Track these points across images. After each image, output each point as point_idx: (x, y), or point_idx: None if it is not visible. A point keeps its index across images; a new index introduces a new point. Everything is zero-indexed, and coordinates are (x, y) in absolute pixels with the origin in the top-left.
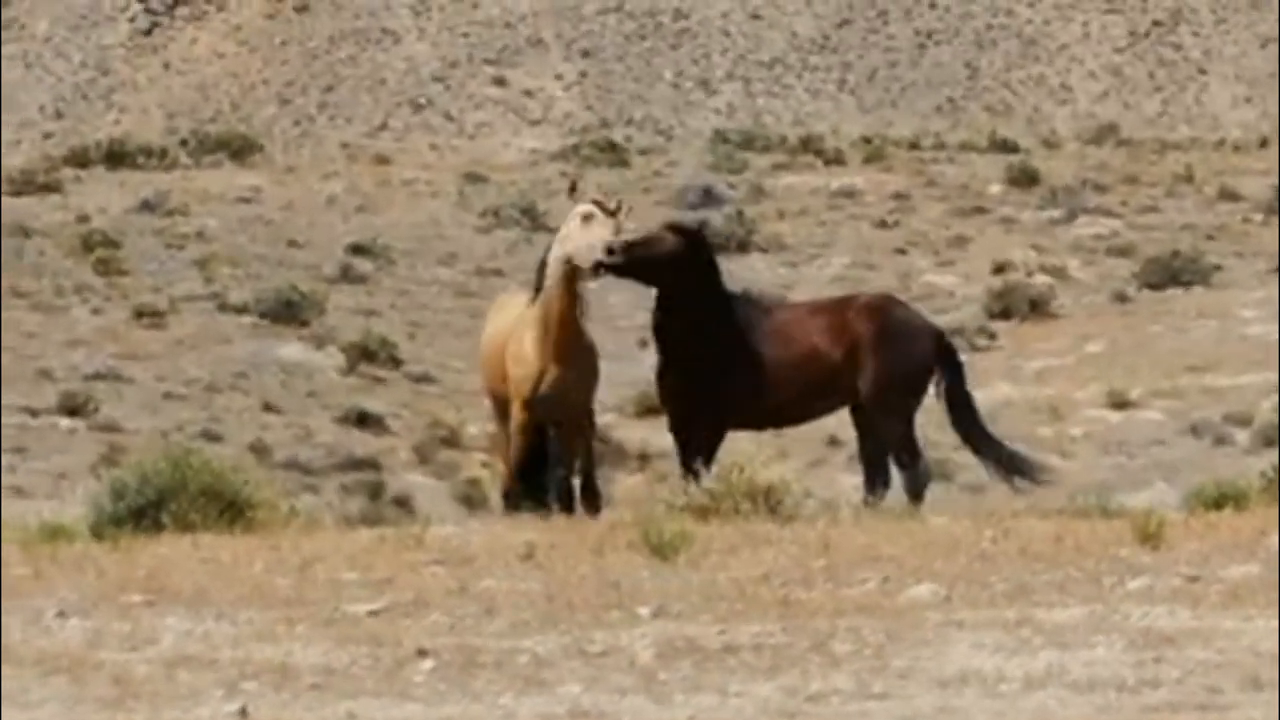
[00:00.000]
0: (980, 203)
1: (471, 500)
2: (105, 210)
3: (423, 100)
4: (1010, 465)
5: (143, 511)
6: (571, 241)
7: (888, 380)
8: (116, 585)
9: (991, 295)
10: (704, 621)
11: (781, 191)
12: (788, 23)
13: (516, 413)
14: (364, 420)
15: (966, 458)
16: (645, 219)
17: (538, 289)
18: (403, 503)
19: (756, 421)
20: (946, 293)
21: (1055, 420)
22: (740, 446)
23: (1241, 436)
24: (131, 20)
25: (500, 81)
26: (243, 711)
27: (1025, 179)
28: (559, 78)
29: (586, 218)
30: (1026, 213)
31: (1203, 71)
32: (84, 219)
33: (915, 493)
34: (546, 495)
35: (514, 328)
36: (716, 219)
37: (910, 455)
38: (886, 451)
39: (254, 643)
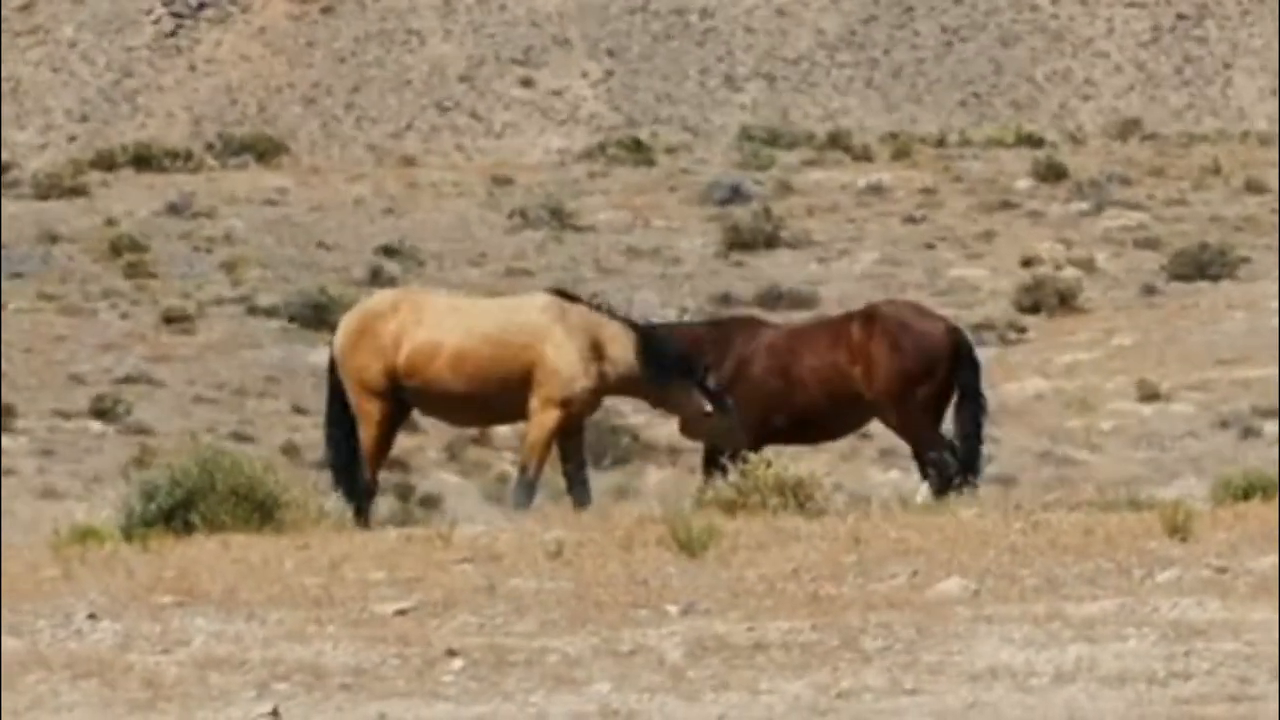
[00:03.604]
0: (1007, 197)
1: (502, 499)
2: (132, 213)
3: (449, 101)
4: (969, 468)
5: (173, 513)
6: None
7: (899, 379)
8: (147, 587)
9: (1020, 289)
10: (733, 618)
11: (809, 188)
12: (813, 19)
13: (553, 414)
14: None
15: (991, 449)
16: (673, 217)
17: (570, 297)
18: (432, 502)
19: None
20: (975, 287)
21: (1085, 413)
22: None
23: (1270, 428)
24: (156, 23)
25: (526, 81)
26: (274, 712)
27: (1052, 174)
28: (585, 77)
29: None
30: (1054, 206)
31: (1228, 65)
32: (111, 222)
33: (941, 489)
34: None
35: (540, 331)
36: (744, 216)
37: (935, 451)
38: (977, 444)
39: (284, 643)
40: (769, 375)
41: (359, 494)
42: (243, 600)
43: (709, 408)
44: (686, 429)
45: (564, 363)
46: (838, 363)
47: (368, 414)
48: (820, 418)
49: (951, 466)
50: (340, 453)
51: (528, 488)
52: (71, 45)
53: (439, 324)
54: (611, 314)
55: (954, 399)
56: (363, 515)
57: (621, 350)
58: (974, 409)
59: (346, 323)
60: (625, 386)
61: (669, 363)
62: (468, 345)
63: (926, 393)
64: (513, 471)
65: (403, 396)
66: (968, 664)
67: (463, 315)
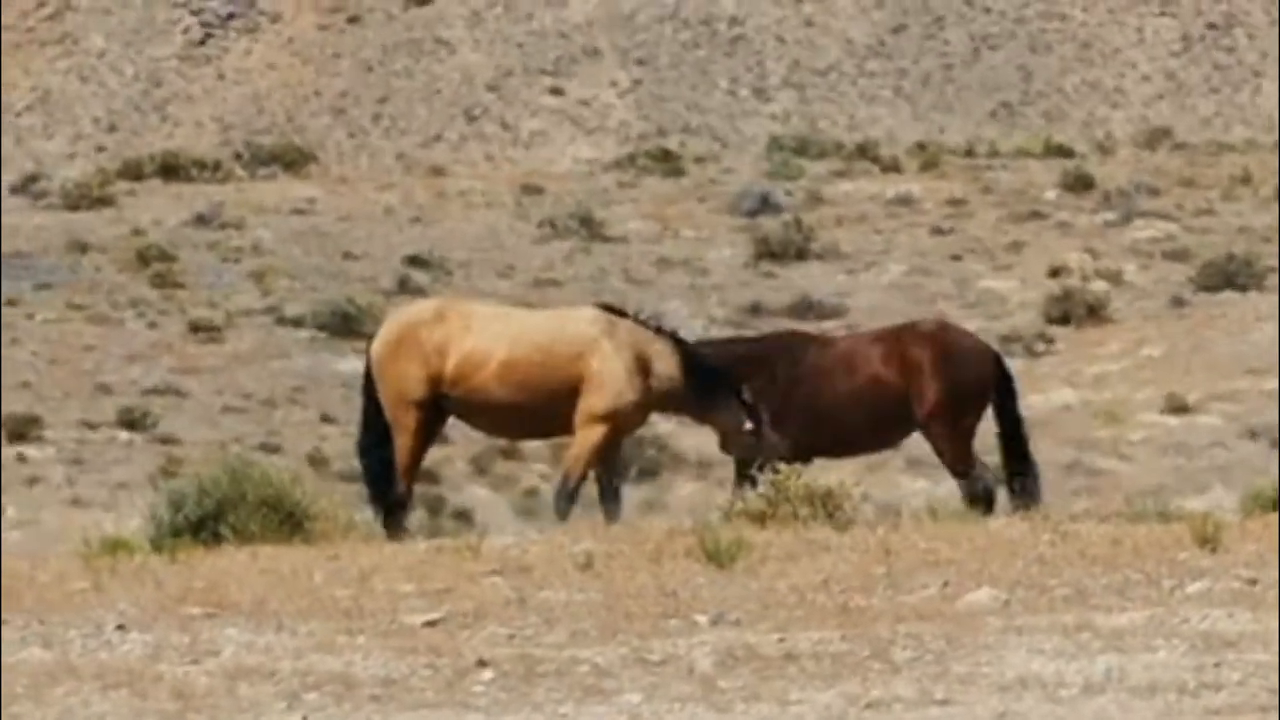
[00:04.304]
0: (1036, 207)
1: (531, 511)
2: (160, 223)
3: (478, 110)
4: (1030, 491)
5: (202, 523)
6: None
7: (951, 399)
8: (176, 598)
9: (1049, 300)
10: (763, 629)
11: (838, 198)
12: (842, 29)
13: (599, 428)
14: None
15: None
16: (702, 227)
17: (617, 311)
18: (463, 515)
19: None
20: (1003, 298)
21: (1113, 424)
22: None
23: None
24: (185, 33)
25: (555, 91)
26: None
27: (1080, 184)
28: (614, 86)
29: None
30: (1082, 217)
31: (1258, 74)
32: (139, 232)
33: (973, 500)
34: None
35: (589, 343)
36: (773, 226)
37: (967, 466)
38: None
39: (314, 654)
40: (817, 392)
41: (392, 504)
42: (272, 611)
43: (749, 425)
44: (727, 445)
45: (611, 376)
46: (889, 379)
47: (404, 423)
48: (865, 434)
49: (980, 484)
50: (374, 462)
51: (568, 498)
52: (100, 55)
53: (487, 332)
54: (658, 330)
55: (999, 426)
56: (396, 525)
57: (667, 366)
58: (1020, 436)
59: (386, 331)
60: (670, 403)
61: (713, 380)
62: (517, 355)
63: (974, 414)
64: (543, 485)
65: (443, 405)
66: (997, 675)
67: (511, 325)
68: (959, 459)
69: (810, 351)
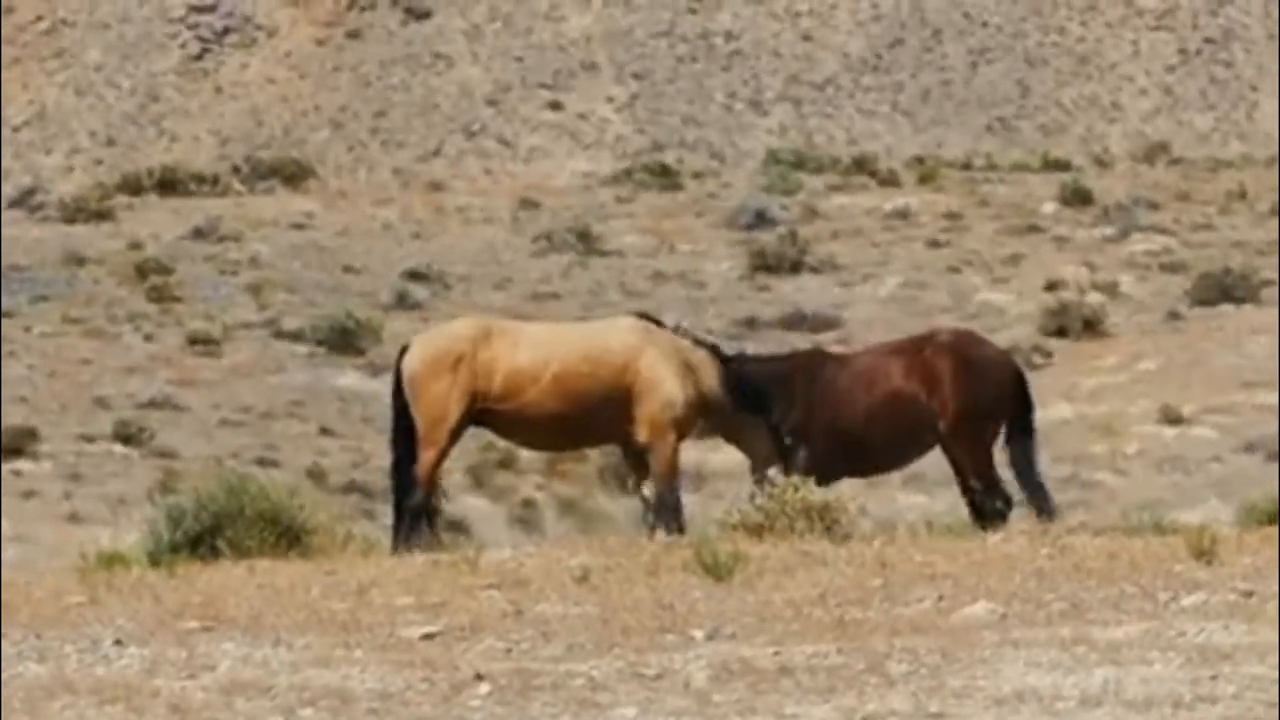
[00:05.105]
0: (1033, 221)
1: (527, 523)
2: (158, 237)
3: (476, 125)
4: (1043, 507)
5: (199, 538)
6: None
7: (969, 412)
8: (173, 612)
9: (1045, 314)
10: (759, 643)
11: (835, 212)
12: (839, 43)
13: (670, 433)
14: None
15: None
16: (699, 241)
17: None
18: (459, 527)
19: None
20: (1000, 311)
21: (1110, 437)
22: None
23: None
24: (182, 47)
25: (554, 105)
26: None
27: (1078, 198)
28: (611, 101)
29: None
30: (1079, 231)
31: (1254, 88)
32: (137, 246)
33: (987, 516)
34: None
35: (635, 350)
36: (770, 240)
37: (988, 480)
38: (1032, 472)
39: (311, 668)
40: (841, 412)
41: (419, 513)
42: (269, 625)
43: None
44: (757, 470)
45: (661, 380)
46: (913, 392)
47: (435, 439)
48: (890, 449)
49: (998, 500)
50: (408, 477)
51: (673, 509)
52: (97, 69)
53: (538, 349)
54: (697, 340)
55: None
56: (429, 532)
57: (709, 375)
58: (1029, 448)
59: (424, 351)
60: (712, 415)
61: (753, 396)
62: (568, 367)
63: (995, 424)
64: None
65: (485, 422)
66: (993, 688)
67: (556, 339)
68: (980, 472)
69: (829, 369)
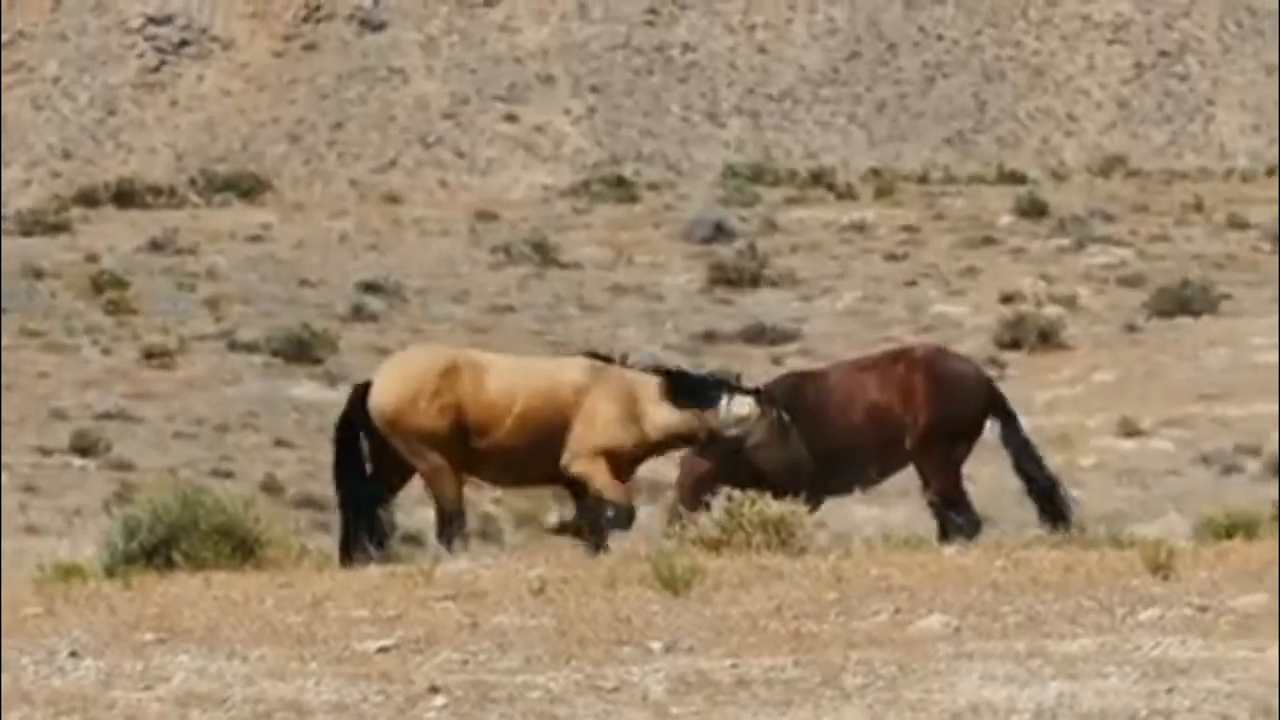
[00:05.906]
0: (989, 234)
1: (485, 535)
2: (114, 249)
3: (432, 138)
4: (1062, 509)
5: (155, 550)
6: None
7: (941, 428)
8: (129, 624)
9: (1002, 325)
10: (716, 655)
11: (792, 226)
12: (796, 56)
13: (608, 466)
14: None
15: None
16: (656, 253)
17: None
18: (414, 540)
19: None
20: (956, 324)
21: (1066, 450)
22: None
23: (1252, 465)
24: (140, 58)
25: (510, 118)
26: None
27: (1034, 210)
28: (568, 113)
29: None
30: (1036, 243)
31: (1210, 101)
32: (93, 259)
33: (954, 533)
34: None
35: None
36: (728, 253)
37: (955, 497)
38: (1048, 483)
39: (266, 680)
40: (817, 433)
41: (452, 524)
42: (224, 638)
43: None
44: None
45: (596, 418)
46: (889, 407)
47: (436, 463)
48: (869, 466)
49: (965, 519)
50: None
51: (626, 517)
52: (54, 82)
53: (503, 384)
54: (657, 370)
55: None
56: (461, 538)
57: (662, 412)
58: (1032, 456)
59: (394, 386)
60: (671, 440)
61: (695, 386)
62: (531, 405)
63: (966, 442)
64: (495, 510)
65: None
66: (949, 701)
67: (519, 375)
68: (948, 489)
69: (806, 391)
